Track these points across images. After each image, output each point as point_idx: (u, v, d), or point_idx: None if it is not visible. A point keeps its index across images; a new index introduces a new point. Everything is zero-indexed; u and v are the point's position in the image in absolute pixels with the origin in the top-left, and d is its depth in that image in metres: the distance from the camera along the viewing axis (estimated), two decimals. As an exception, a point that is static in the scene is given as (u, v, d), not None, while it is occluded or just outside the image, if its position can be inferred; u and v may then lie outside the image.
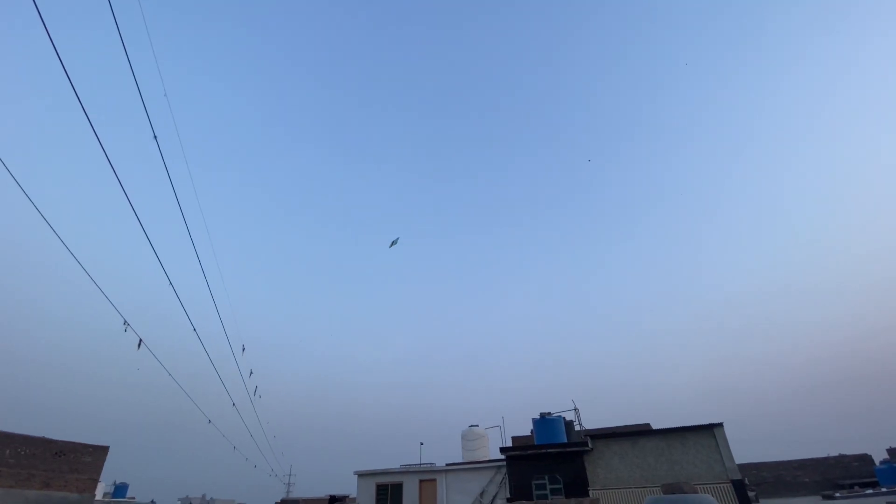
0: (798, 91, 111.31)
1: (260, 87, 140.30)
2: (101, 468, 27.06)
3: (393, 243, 23.68)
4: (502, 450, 22.22)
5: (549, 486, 20.06)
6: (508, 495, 20.92)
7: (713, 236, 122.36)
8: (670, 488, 4.45)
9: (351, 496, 32.62)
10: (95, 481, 26.46)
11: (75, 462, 25.50)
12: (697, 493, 4.43)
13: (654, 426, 23.08)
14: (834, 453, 37.44)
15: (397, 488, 24.10)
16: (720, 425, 18.53)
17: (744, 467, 27.33)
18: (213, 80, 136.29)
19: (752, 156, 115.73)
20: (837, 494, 23.12)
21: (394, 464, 25.78)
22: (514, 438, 28.17)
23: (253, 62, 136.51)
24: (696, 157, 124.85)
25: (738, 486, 17.17)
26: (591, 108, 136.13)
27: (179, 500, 65.87)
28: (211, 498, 67.48)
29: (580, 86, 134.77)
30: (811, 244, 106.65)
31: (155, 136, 10.27)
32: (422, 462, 26.45)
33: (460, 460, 28.04)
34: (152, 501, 51.63)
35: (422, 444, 32.88)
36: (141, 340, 13.69)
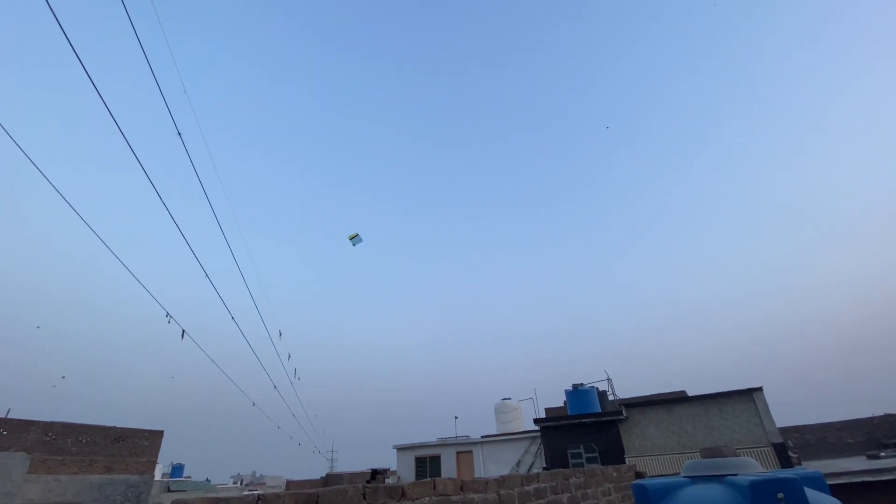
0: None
1: (294, 66, 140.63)
2: (158, 451, 28.84)
3: (354, 239, 21.15)
4: (536, 421, 22.50)
5: (584, 455, 20.27)
6: (544, 464, 21.28)
7: (743, 197, 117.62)
8: (709, 452, 4.39)
9: (391, 469, 33.85)
10: (154, 463, 28.25)
11: (134, 446, 27.24)
12: (738, 455, 4.37)
13: (690, 394, 22.86)
14: (879, 413, 36.29)
15: (435, 460, 24.85)
16: (759, 389, 18.19)
17: (785, 430, 26.84)
18: (245, 62, 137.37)
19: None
20: (882, 454, 22.47)
21: (431, 437, 26.53)
22: (547, 410, 28.44)
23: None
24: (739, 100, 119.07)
25: (780, 449, 16.93)
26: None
27: (232, 477, 69.86)
28: (261, 475, 71.27)
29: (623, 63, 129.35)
30: (850, 188, 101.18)
31: (179, 133, 10.53)
32: (458, 435, 27.12)
33: (495, 433, 28.59)
34: (207, 479, 54.92)
35: (456, 418, 33.74)
36: (184, 331, 14.33)
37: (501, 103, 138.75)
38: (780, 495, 3.34)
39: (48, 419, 24.24)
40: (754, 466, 4.46)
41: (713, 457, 4.56)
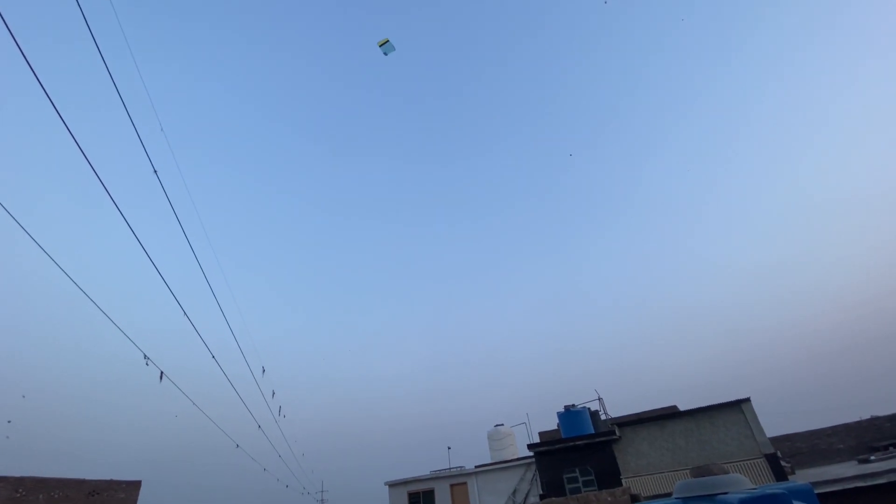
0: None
1: (260, 87, 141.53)
2: (136, 503, 27.34)
3: (384, 46, 18.46)
4: (530, 446, 22.14)
5: (580, 479, 19.94)
6: (541, 491, 20.82)
7: (718, 206, 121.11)
8: (699, 471, 4.39)
9: (384, 508, 32.62)
10: (131, 517, 26.71)
11: (109, 500, 25.73)
12: (728, 473, 4.37)
13: (682, 407, 22.88)
14: (866, 416, 36.84)
15: (429, 495, 24.11)
16: (747, 400, 18.32)
17: (777, 440, 26.92)
18: (219, 87, 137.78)
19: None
20: (873, 458, 22.71)
21: (423, 470, 25.81)
22: (540, 434, 28.06)
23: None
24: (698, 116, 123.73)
25: (772, 460, 16.94)
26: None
27: (216, 526, 66.36)
28: (246, 522, 67.86)
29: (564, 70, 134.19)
30: (831, 202, 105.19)
31: (155, 171, 10.44)
32: (451, 466, 26.44)
33: (489, 461, 27.99)
34: (189, 531, 52.00)
35: (449, 448, 32.86)
36: (162, 373, 13.84)
37: (492, 114, 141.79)
38: (770, 512, 3.34)
39: (17, 474, 22.90)
40: (743, 483, 4.45)
41: (702, 475, 4.55)
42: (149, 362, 13.09)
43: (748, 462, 17.02)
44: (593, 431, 22.40)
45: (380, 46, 19.43)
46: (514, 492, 22.26)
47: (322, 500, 69.86)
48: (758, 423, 17.84)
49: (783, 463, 17.62)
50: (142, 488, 28.05)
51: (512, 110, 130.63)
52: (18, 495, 22.31)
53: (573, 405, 24.03)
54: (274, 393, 23.31)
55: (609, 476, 19.32)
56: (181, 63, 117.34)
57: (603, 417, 25.35)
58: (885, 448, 26.09)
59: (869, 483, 14.13)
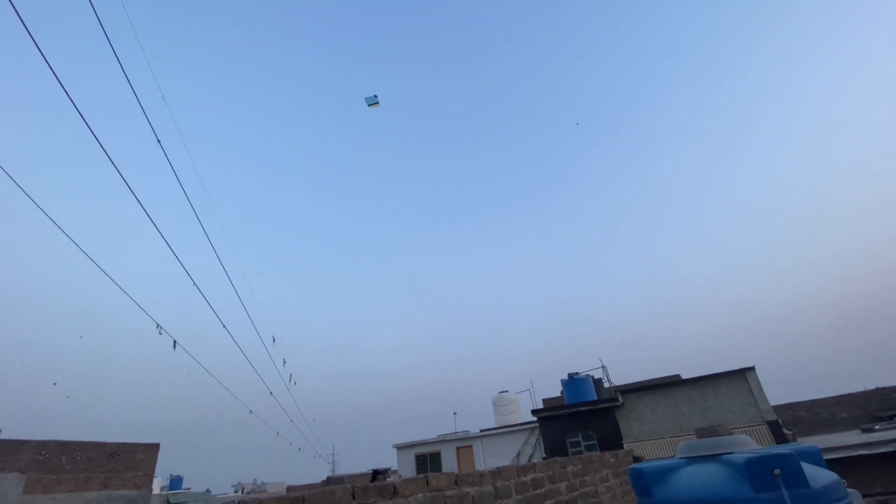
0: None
1: (267, 73, 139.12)
2: (155, 464, 28.45)
3: (371, 102, 20.66)
4: (534, 412, 22.53)
5: (583, 444, 20.33)
6: (544, 455, 21.32)
7: (729, 174, 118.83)
8: (704, 432, 4.35)
9: (393, 469, 33.78)
10: (151, 477, 27.87)
11: (130, 461, 26.84)
12: (733, 434, 4.32)
13: (684, 377, 23.03)
14: (871, 387, 36.92)
15: (436, 457, 24.80)
16: (752, 369, 18.34)
17: (779, 408, 27.15)
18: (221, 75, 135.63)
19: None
20: (877, 427, 22.87)
21: (430, 434, 26.49)
22: (544, 401, 28.53)
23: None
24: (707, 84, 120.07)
25: (774, 427, 17.09)
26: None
27: (233, 486, 69.31)
28: (262, 482, 70.79)
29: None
30: (835, 169, 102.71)
31: (159, 141, 10.27)
32: (457, 430, 27.10)
33: (494, 426, 28.62)
34: (207, 490, 54.39)
35: (455, 413, 33.69)
36: (175, 341, 14.07)
37: (500, 101, 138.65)
38: (777, 471, 3.29)
39: (41, 437, 23.81)
40: (749, 444, 4.42)
41: (708, 436, 4.52)
42: (162, 331, 13.30)
43: (750, 429, 17.19)
44: (596, 398, 22.70)
45: (368, 103, 20.96)
46: (518, 454, 22.82)
47: (333, 461, 72.44)
48: (761, 391, 17.91)
49: (785, 430, 17.79)
50: (161, 450, 29.24)
51: (521, 94, 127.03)
52: (42, 458, 23.29)
53: (577, 373, 24.29)
54: (285, 361, 23.76)
55: (611, 441, 19.68)
56: (187, 60, 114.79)
57: (606, 385, 25.65)
58: (890, 418, 26.21)
59: (873, 451, 14.22)
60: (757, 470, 3.30)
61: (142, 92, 8.88)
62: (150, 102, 9.76)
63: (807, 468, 3.42)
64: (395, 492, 3.98)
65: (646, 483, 4.02)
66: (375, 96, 20.65)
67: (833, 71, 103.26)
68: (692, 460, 4.14)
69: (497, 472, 5.43)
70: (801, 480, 3.18)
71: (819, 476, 3.45)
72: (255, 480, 71.87)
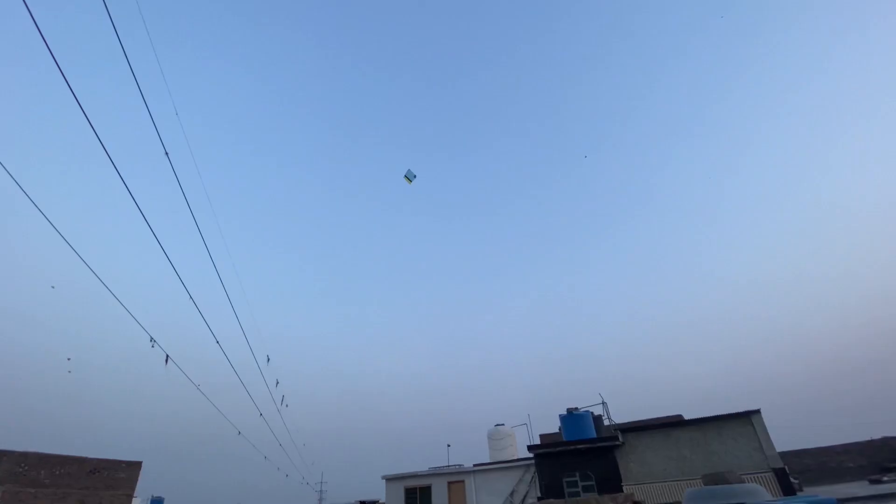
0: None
1: (270, 81, 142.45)
2: (136, 483, 27.50)
3: (409, 177, 21.39)
4: (530, 448, 21.78)
5: (580, 484, 19.54)
6: (539, 494, 20.47)
7: (730, 222, 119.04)
8: (712, 479, 4.06)
9: (380, 501, 32.51)
10: (130, 496, 26.89)
11: (110, 479, 25.97)
12: (743, 482, 4.02)
13: (686, 417, 22.34)
14: (878, 436, 35.80)
15: (426, 491, 23.87)
16: (757, 412, 17.75)
17: (785, 455, 26.22)
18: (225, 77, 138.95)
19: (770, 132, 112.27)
20: (885, 478, 21.98)
21: (422, 467, 25.58)
22: (541, 436, 27.65)
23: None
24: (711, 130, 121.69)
25: (781, 475, 16.39)
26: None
27: (215, 511, 66.91)
28: (245, 509, 68.35)
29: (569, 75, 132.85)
30: (841, 217, 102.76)
31: (167, 153, 10.29)
32: (450, 464, 26.18)
33: (488, 460, 27.67)
34: (188, 514, 52.45)
35: (449, 445, 32.62)
36: (168, 356, 13.76)
37: (499, 113, 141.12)
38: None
39: (21, 449, 23.17)
40: (762, 494, 4.11)
41: (716, 483, 4.21)
42: (154, 345, 13.04)
43: (756, 475, 16.49)
44: (595, 436, 21.97)
45: (407, 178, 21.97)
46: (512, 493, 21.93)
47: (321, 490, 70.14)
48: (767, 436, 17.28)
49: (792, 479, 17.06)
50: (142, 469, 28.30)
51: (508, 109, 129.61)
52: (21, 470, 22.57)
53: (576, 408, 23.62)
54: (278, 382, 23.24)
55: (610, 482, 18.90)
56: (192, 45, 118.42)
57: (606, 422, 24.89)
58: (899, 469, 25.27)
59: (883, 504, 13.60)
60: (773, 525, 3.01)
61: (153, 104, 8.93)
62: (161, 115, 9.82)
63: (826, 524, 3.14)
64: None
65: (649, 533, 3.71)
66: (412, 171, 21.78)
67: None
68: (700, 509, 3.84)
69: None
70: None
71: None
72: (238, 506, 69.43)
